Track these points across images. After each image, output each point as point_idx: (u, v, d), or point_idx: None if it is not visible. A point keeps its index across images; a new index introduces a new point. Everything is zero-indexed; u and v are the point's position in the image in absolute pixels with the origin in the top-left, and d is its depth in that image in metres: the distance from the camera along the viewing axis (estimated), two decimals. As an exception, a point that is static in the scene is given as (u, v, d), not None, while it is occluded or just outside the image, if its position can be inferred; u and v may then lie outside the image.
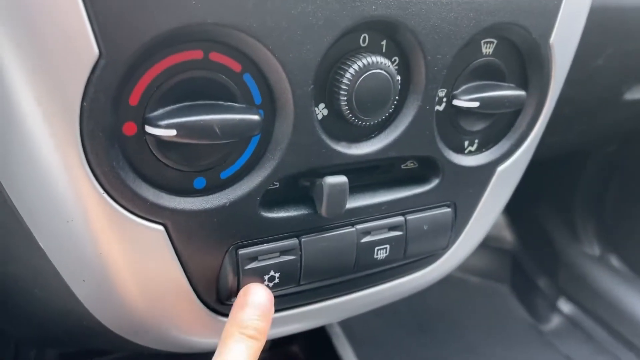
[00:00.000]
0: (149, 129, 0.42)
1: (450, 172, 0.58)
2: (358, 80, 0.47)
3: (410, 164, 0.58)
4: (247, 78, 0.45)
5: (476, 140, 0.60)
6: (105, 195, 0.42)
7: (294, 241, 0.51)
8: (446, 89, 0.55)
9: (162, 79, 0.42)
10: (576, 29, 0.60)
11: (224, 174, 0.48)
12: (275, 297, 0.54)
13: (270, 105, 0.47)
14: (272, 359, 0.93)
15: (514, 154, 0.62)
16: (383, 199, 0.56)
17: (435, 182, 0.58)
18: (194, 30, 0.41)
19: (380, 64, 0.48)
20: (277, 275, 0.51)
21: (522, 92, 0.57)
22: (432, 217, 0.58)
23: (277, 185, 0.51)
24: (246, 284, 0.50)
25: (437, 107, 0.55)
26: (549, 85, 0.59)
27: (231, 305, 0.52)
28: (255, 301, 0.48)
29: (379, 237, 0.56)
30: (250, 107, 0.46)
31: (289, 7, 0.43)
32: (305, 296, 0.57)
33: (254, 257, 0.50)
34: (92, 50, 0.37)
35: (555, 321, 1.33)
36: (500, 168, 0.62)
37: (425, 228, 0.58)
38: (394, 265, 0.60)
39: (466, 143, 0.60)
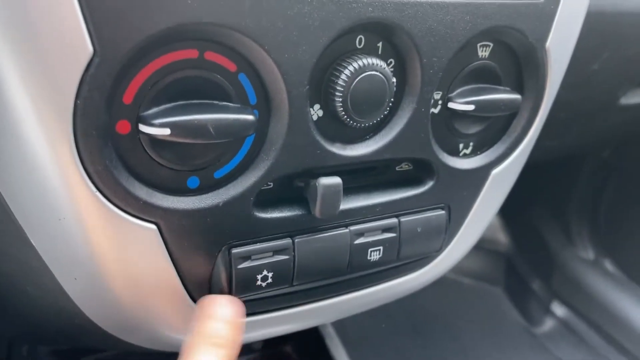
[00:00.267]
0: (143, 128, 0.41)
1: (444, 174, 0.58)
2: (354, 81, 0.47)
3: (404, 166, 0.58)
4: (242, 78, 0.45)
5: (471, 143, 0.60)
6: (98, 193, 0.42)
7: (287, 241, 0.51)
8: (442, 91, 0.55)
9: (157, 78, 0.42)
10: (572, 33, 0.60)
11: (218, 174, 0.47)
12: (268, 297, 0.54)
13: (265, 106, 0.47)
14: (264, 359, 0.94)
15: (509, 158, 0.62)
16: (377, 201, 0.56)
17: (429, 185, 0.58)
18: (189, 30, 0.40)
19: (376, 65, 0.48)
20: (270, 275, 0.51)
21: (517, 96, 0.57)
22: (426, 219, 0.58)
23: (271, 186, 0.51)
24: (239, 284, 0.50)
25: (433, 110, 0.55)
26: (544, 89, 0.59)
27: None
28: (219, 313, 0.44)
29: (372, 238, 0.56)
30: (245, 107, 0.45)
31: (285, 8, 0.43)
32: (299, 297, 0.57)
33: (247, 257, 0.50)
34: (87, 48, 0.37)
35: (548, 324, 1.33)
36: (495, 171, 0.62)
37: (419, 230, 0.58)
38: (388, 267, 0.60)
39: (461, 146, 0.60)
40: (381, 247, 0.56)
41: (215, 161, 0.47)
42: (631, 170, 1.28)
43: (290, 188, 0.52)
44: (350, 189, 0.55)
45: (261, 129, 0.47)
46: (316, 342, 0.92)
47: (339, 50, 0.48)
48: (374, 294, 0.62)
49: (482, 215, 0.65)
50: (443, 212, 0.60)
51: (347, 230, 0.54)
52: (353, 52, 0.48)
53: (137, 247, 0.45)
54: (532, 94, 0.59)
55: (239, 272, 0.49)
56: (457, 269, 1.44)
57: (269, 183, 0.50)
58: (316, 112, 0.49)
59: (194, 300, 0.50)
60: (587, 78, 0.85)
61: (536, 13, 0.55)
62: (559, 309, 1.33)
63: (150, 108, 0.42)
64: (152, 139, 0.43)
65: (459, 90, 0.56)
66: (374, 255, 0.56)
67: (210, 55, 0.43)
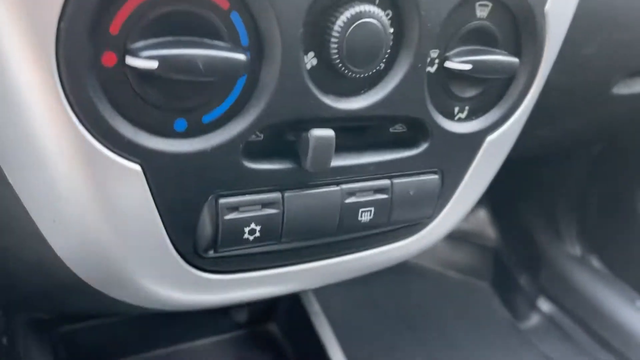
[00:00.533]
0: (130, 60, 0.40)
1: (438, 137, 0.57)
2: (349, 28, 0.46)
3: (399, 128, 0.57)
4: (235, 17, 0.43)
5: (466, 107, 0.59)
6: (80, 126, 0.40)
7: (277, 195, 0.50)
8: (439, 49, 0.54)
9: (146, 9, 0.40)
10: (571, 0, 0.60)
11: (206, 118, 0.46)
12: (254, 254, 0.52)
13: (257, 48, 0.45)
14: (249, 338, 0.91)
15: (504, 125, 0.61)
16: (370, 160, 0.54)
17: (423, 147, 0.57)
18: (181, -42, 0.39)
19: (373, 13, 0.46)
20: (258, 228, 0.49)
21: (515, 59, 0.56)
22: (419, 182, 0.57)
23: (262, 138, 0.49)
24: (226, 236, 0.48)
25: (429, 69, 0.54)
26: (542, 54, 0.58)
27: (208, 258, 0.50)
28: None
29: (364, 199, 0.54)
30: (237, 46, 0.44)
31: (282, -57, 0.41)
32: (285, 256, 0.55)
33: (234, 208, 0.48)
34: (73, -35, 0.35)
35: (534, 319, 1.33)
36: (490, 138, 0.61)
37: (411, 193, 0.57)
38: (378, 231, 0.59)
39: (456, 109, 0.59)
40: (372, 208, 0.55)
41: (204, 104, 0.45)
42: (619, 168, 1.28)
43: (282, 142, 0.50)
44: (343, 147, 0.53)
45: (252, 74, 0.46)
46: (302, 320, 0.90)
47: (335, -4, 0.46)
48: (362, 259, 0.61)
49: (476, 184, 0.64)
50: (436, 176, 0.59)
51: (338, 188, 0.53)
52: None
53: (119, 188, 0.43)
54: (529, 59, 0.58)
55: (225, 223, 0.48)
56: (444, 262, 1.44)
57: (259, 134, 0.48)
58: (310, 60, 0.48)
59: (177, 251, 0.48)
60: (581, 63, 0.85)
61: (536, -26, 0.54)
62: (545, 305, 1.33)
63: (137, 41, 0.40)
64: (139, 73, 0.41)
65: (456, 50, 0.55)
66: (365, 216, 0.55)
67: (203, -11, 0.42)
